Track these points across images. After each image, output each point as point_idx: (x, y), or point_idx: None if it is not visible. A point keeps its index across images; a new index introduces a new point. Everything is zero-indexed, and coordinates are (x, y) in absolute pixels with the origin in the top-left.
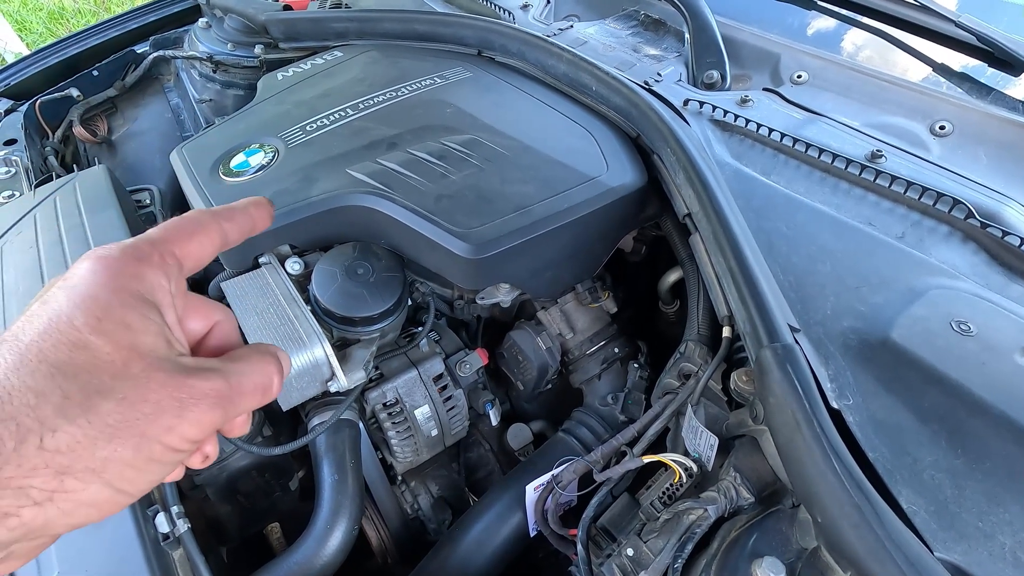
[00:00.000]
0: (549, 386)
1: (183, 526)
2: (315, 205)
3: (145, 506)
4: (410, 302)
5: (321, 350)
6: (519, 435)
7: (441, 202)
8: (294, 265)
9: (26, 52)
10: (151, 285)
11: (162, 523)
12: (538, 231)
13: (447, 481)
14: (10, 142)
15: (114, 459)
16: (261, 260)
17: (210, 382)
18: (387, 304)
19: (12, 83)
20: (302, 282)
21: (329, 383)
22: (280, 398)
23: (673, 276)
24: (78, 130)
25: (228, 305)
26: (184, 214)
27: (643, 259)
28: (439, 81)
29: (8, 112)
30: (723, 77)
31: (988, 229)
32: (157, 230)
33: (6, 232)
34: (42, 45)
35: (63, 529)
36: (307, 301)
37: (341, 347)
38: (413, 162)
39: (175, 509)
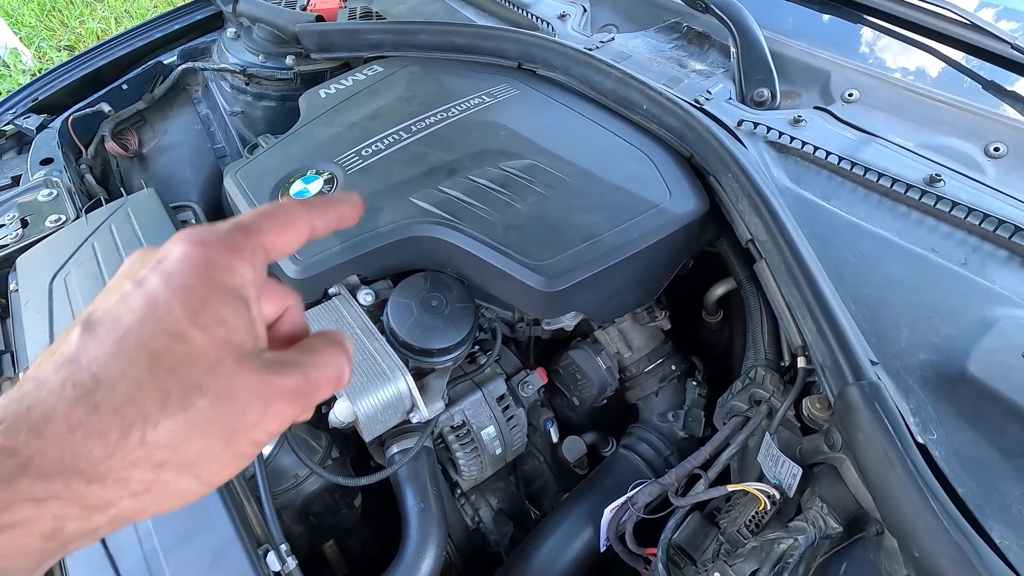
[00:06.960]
0: (604, 402)
1: (292, 563)
2: (383, 236)
3: (255, 546)
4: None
5: (404, 383)
6: (574, 448)
7: (510, 233)
8: (367, 297)
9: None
10: (242, 280)
11: (273, 561)
12: (609, 262)
13: (505, 494)
14: (46, 161)
15: (206, 454)
16: (331, 291)
17: (290, 378)
18: (462, 334)
19: (41, 97)
20: (374, 312)
21: (411, 414)
22: (365, 430)
23: (720, 289)
24: (110, 145)
25: None
26: (279, 203)
27: (687, 272)
28: (487, 100)
29: (40, 128)
30: (773, 95)
31: None
32: (251, 218)
33: (67, 262)
34: (70, 57)
35: (150, 516)
36: (381, 331)
37: (417, 376)
38: (476, 190)
39: (283, 547)
